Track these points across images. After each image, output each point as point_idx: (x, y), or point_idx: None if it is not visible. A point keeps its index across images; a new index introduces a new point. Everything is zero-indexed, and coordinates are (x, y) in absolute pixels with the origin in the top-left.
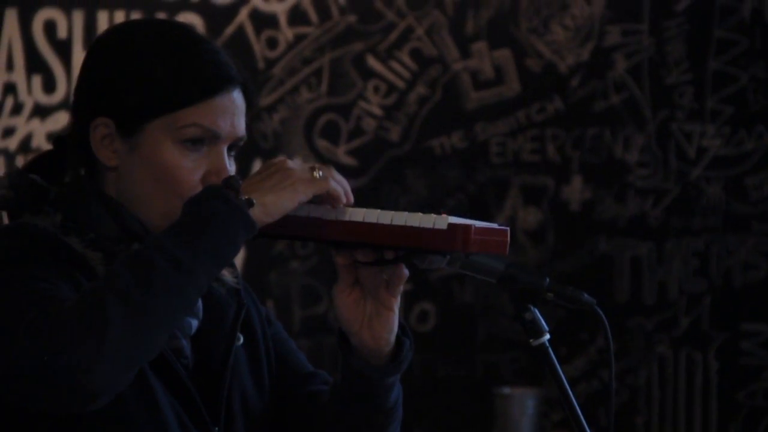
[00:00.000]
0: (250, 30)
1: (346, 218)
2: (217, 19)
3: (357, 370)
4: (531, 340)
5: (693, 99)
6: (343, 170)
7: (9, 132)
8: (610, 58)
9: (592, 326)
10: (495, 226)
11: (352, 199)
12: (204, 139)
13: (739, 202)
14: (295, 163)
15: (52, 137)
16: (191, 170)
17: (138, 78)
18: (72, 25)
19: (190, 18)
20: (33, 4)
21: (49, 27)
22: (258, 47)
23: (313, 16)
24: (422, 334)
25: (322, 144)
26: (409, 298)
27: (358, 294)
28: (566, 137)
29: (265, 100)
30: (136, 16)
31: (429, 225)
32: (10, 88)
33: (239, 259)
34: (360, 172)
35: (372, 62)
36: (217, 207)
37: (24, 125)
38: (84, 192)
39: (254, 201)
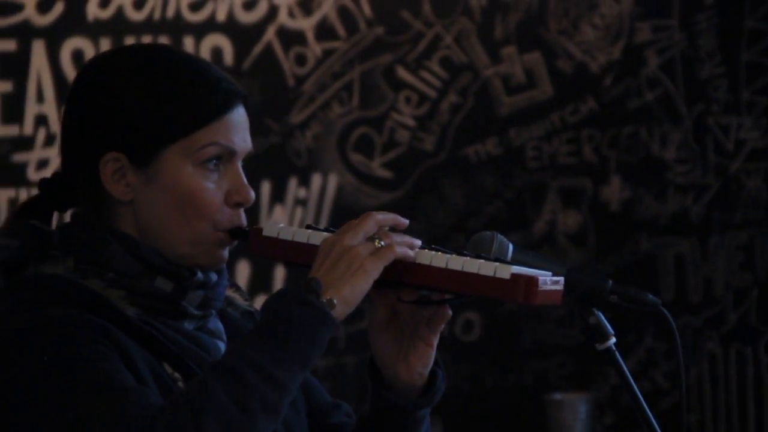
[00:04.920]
0: (278, 48)
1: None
2: (245, 38)
3: (390, 402)
4: (597, 345)
5: (728, 92)
6: (379, 183)
7: (43, 164)
8: (641, 55)
9: (639, 327)
10: (551, 277)
11: (406, 223)
12: (221, 158)
13: None
14: (352, 238)
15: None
16: (214, 191)
17: (147, 106)
18: None
19: (218, 39)
20: (60, 34)
21: (77, 56)
22: (287, 64)
23: (340, 29)
24: (468, 345)
25: (356, 158)
26: (452, 308)
27: (395, 329)
28: (602, 137)
29: (297, 117)
30: (162, 40)
31: (489, 273)
32: (42, 120)
33: (245, 270)
34: (396, 184)
35: (402, 73)
36: (302, 314)
37: (57, 156)
38: (94, 230)
39: (334, 301)
